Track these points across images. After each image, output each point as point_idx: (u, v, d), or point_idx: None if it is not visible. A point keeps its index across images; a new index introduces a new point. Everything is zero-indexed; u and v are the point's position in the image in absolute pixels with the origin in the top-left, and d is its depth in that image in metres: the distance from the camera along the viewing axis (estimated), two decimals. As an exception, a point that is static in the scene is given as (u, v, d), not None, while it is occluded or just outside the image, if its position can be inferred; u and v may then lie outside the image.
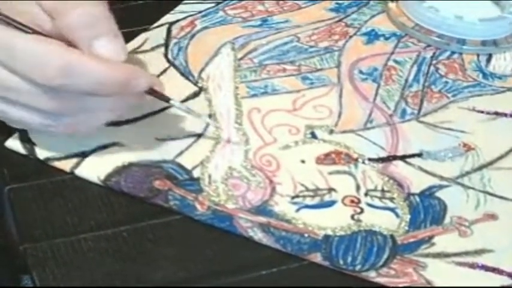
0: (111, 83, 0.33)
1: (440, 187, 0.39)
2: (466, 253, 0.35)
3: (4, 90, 0.34)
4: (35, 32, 0.34)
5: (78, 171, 0.38)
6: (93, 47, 0.34)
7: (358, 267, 0.34)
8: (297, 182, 0.38)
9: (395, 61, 0.48)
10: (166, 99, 0.37)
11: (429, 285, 0.33)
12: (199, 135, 0.41)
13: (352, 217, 0.36)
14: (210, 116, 0.42)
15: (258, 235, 0.35)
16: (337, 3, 0.54)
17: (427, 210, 0.37)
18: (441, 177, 0.39)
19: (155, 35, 0.49)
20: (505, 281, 0.34)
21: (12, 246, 0.36)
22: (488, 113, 0.44)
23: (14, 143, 0.39)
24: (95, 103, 0.35)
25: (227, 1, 0.53)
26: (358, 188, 0.38)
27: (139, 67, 0.36)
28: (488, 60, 0.49)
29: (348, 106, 0.44)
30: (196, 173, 0.38)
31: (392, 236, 0.36)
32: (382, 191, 0.38)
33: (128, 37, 0.48)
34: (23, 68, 0.33)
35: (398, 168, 0.40)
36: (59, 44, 0.33)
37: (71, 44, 0.34)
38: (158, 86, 0.36)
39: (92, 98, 0.34)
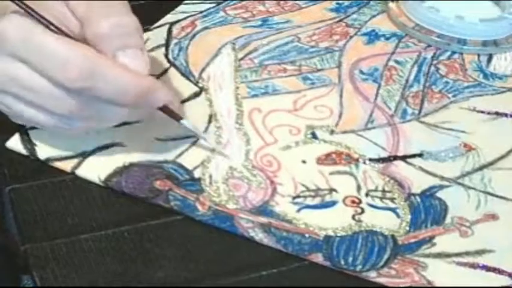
0: (132, 92, 0.33)
1: (441, 187, 0.39)
2: (467, 253, 0.35)
3: (22, 89, 0.34)
4: (63, 33, 0.34)
5: (79, 172, 0.38)
6: (118, 58, 0.34)
7: (359, 268, 0.34)
8: (297, 183, 0.38)
9: (396, 61, 0.48)
10: (178, 119, 0.37)
11: (430, 286, 0.33)
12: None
13: (353, 217, 0.36)
14: (210, 116, 0.42)
15: (259, 235, 0.35)
16: (337, 4, 0.54)
17: (427, 210, 0.37)
18: (442, 178, 0.39)
19: (156, 35, 0.49)
20: (506, 281, 0.34)
21: (13, 247, 0.36)
22: (488, 113, 0.44)
23: (15, 144, 0.39)
24: (109, 112, 0.35)
25: (228, 1, 0.53)
26: (359, 188, 0.38)
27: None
28: (489, 60, 0.49)
29: (349, 106, 0.44)
30: (197, 173, 0.38)
31: (393, 236, 0.36)
32: (383, 191, 0.38)
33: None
34: (48, 66, 0.32)
35: (399, 168, 0.40)
36: (87, 48, 0.33)
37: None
38: (174, 103, 0.37)
39: (108, 107, 0.34)
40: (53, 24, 0.33)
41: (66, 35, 0.34)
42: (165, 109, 0.36)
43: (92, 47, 0.34)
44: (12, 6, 0.33)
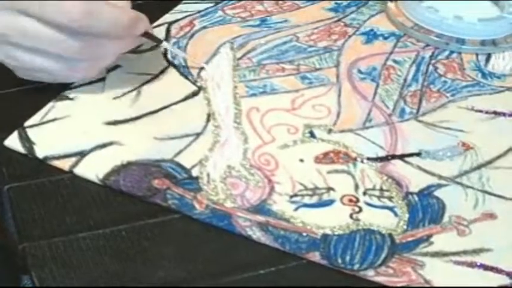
0: (123, 24, 0.38)
1: (439, 186, 0.39)
2: (465, 252, 0.35)
3: (27, 39, 0.38)
4: None
5: (77, 170, 0.38)
6: None
7: (356, 266, 0.34)
8: (295, 181, 0.38)
9: (394, 61, 0.48)
10: (159, 41, 0.43)
11: (427, 285, 0.33)
12: (198, 134, 0.41)
13: (351, 216, 0.36)
14: (208, 115, 0.42)
15: (257, 234, 0.35)
16: (336, 3, 0.54)
17: (425, 209, 0.37)
18: (440, 177, 0.39)
19: (154, 34, 0.49)
20: (504, 280, 0.34)
21: (12, 246, 0.36)
22: (487, 113, 0.44)
23: (13, 142, 0.39)
24: (105, 47, 0.39)
25: (226, 1, 0.53)
26: (356, 187, 0.38)
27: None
28: (487, 59, 0.49)
29: (347, 105, 0.44)
30: (195, 172, 0.38)
31: (390, 235, 0.36)
32: (381, 190, 0.38)
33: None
34: (49, 12, 0.36)
35: (397, 167, 0.40)
36: None
37: None
38: (151, 30, 0.43)
39: (103, 42, 0.39)
40: None
41: None
42: (146, 34, 0.41)
43: None
44: None
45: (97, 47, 0.39)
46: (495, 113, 0.44)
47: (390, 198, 0.38)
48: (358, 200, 0.37)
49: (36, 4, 0.37)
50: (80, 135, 0.40)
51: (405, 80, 0.47)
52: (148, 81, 0.45)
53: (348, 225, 0.36)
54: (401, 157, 0.40)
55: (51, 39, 0.38)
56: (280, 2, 0.53)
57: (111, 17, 0.38)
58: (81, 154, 0.39)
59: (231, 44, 0.48)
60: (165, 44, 0.43)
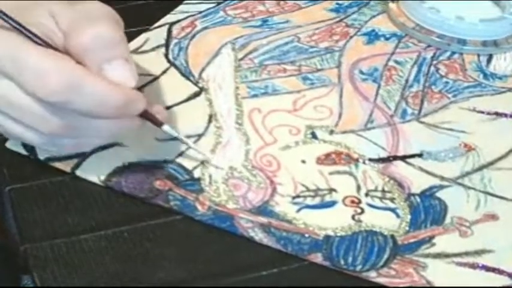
0: (111, 104, 0.33)
1: (441, 187, 0.39)
2: (467, 253, 0.35)
3: (9, 107, 0.33)
4: (46, 44, 0.33)
5: (79, 172, 0.38)
6: (103, 70, 0.33)
7: (358, 268, 0.34)
8: (297, 182, 0.38)
9: (396, 61, 0.48)
10: (159, 124, 0.36)
11: (429, 286, 0.33)
12: (199, 136, 0.41)
13: (353, 217, 0.36)
14: (210, 116, 0.42)
15: (259, 235, 0.35)
16: (337, 4, 0.54)
17: (427, 210, 0.37)
18: (442, 178, 0.39)
19: (156, 35, 0.49)
20: (506, 281, 0.34)
21: (13, 247, 0.36)
22: (488, 114, 0.44)
23: (14, 144, 0.39)
24: (94, 127, 0.34)
25: (228, 1, 0.53)
26: (358, 188, 0.38)
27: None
28: (489, 60, 0.49)
29: (349, 106, 0.44)
30: (196, 173, 0.38)
31: (392, 236, 0.36)
32: (383, 191, 0.38)
33: (129, 37, 0.48)
34: (28, 80, 0.32)
35: (398, 168, 0.40)
36: (66, 59, 0.32)
37: (78, 61, 0.33)
38: (159, 110, 0.36)
39: (90, 121, 0.33)
40: (38, 37, 0.32)
41: (52, 48, 0.33)
42: (146, 115, 0.35)
43: (74, 59, 0.33)
44: None
45: (82, 126, 0.34)
46: (497, 113, 0.44)
47: (392, 200, 0.38)
48: (360, 201, 0.37)
49: (19, 70, 0.31)
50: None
51: (407, 80, 0.47)
52: (149, 82, 0.45)
53: (350, 226, 0.36)
54: (403, 158, 0.40)
55: (30, 112, 0.33)
56: (282, 2, 0.53)
57: (97, 94, 0.32)
58: (83, 155, 0.39)
59: (232, 45, 0.48)
60: (166, 129, 0.37)
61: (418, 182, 0.39)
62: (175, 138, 0.40)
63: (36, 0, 0.34)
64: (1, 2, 0.32)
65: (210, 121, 0.42)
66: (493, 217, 0.37)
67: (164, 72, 0.46)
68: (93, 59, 0.33)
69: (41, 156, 0.39)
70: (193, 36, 0.49)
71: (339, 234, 0.35)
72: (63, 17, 0.34)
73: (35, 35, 0.33)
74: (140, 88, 0.44)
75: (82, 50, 0.33)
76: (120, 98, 0.33)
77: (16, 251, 0.35)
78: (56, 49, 0.33)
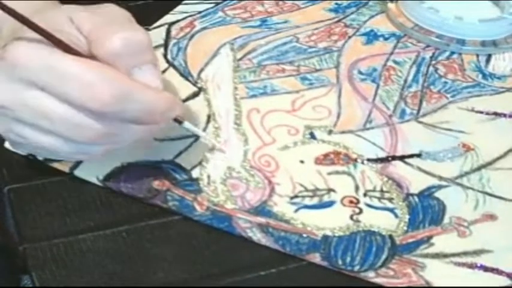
0: (159, 110, 0.33)
1: (440, 187, 0.39)
2: (465, 253, 0.35)
3: (38, 117, 0.32)
4: (80, 55, 0.32)
5: (78, 172, 0.38)
6: (133, 75, 0.33)
7: (356, 268, 0.34)
8: (295, 183, 0.38)
9: (395, 61, 0.48)
10: (180, 122, 0.37)
11: (428, 286, 0.33)
12: (198, 136, 0.41)
13: (351, 217, 0.36)
14: (208, 116, 0.42)
15: (257, 235, 0.35)
16: (336, 4, 0.54)
17: (426, 210, 0.37)
18: (440, 178, 0.39)
19: (155, 35, 0.49)
20: (504, 281, 0.34)
21: (12, 247, 0.36)
22: (487, 114, 0.44)
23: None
24: (129, 133, 0.34)
25: (226, 1, 0.53)
26: (357, 188, 0.38)
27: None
28: (488, 60, 0.49)
29: (347, 106, 0.44)
30: (195, 174, 0.38)
31: (391, 236, 0.36)
32: (381, 191, 0.38)
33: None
34: (71, 91, 0.31)
35: (397, 168, 0.40)
36: (110, 69, 0.32)
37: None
38: (179, 109, 0.36)
39: (129, 127, 0.33)
40: (69, 47, 0.32)
41: (83, 56, 0.32)
42: (177, 119, 0.36)
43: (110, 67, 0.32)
44: (19, 32, 0.32)
45: (120, 131, 0.33)
46: (495, 114, 0.44)
47: (390, 200, 0.38)
48: (358, 201, 0.37)
49: (58, 81, 0.31)
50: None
51: (405, 80, 0.47)
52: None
53: (348, 226, 0.36)
54: (402, 158, 0.40)
55: (68, 122, 0.32)
56: (281, 2, 0.53)
57: (146, 102, 0.32)
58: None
59: (231, 45, 0.48)
60: (186, 125, 0.37)
61: (416, 182, 0.39)
62: (174, 139, 0.40)
63: (53, 7, 0.34)
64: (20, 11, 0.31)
65: (208, 121, 0.42)
66: (492, 217, 0.37)
67: (163, 72, 0.46)
68: (123, 65, 0.32)
69: (40, 156, 0.39)
70: (192, 36, 0.49)
71: (337, 234, 0.35)
72: (85, 23, 0.33)
73: (67, 45, 0.32)
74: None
75: (112, 56, 0.32)
76: (166, 104, 0.33)
77: (16, 251, 0.35)
78: (86, 57, 0.32)
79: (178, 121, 0.37)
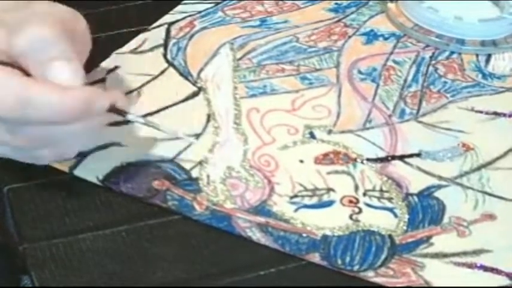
0: (70, 110, 0.31)
1: (439, 187, 0.39)
2: (465, 253, 0.35)
3: None
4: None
5: (77, 172, 0.38)
6: (47, 73, 0.32)
7: (356, 267, 0.34)
8: (295, 182, 0.38)
9: (395, 61, 0.48)
10: (124, 114, 0.35)
11: (427, 286, 0.33)
12: (198, 135, 0.41)
13: (351, 217, 0.36)
14: (208, 115, 0.42)
15: (257, 235, 0.35)
16: (336, 4, 0.54)
17: (425, 210, 0.37)
18: (440, 177, 0.39)
19: (154, 35, 0.49)
20: (504, 281, 0.34)
21: (12, 246, 0.36)
22: (487, 113, 0.44)
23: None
24: (60, 132, 0.33)
25: (226, 1, 0.53)
26: (356, 188, 0.38)
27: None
28: (488, 60, 0.49)
29: (347, 106, 0.44)
30: (194, 173, 0.38)
31: (390, 236, 0.36)
32: (381, 191, 0.38)
33: (127, 37, 0.48)
34: None
35: (396, 168, 0.40)
36: (14, 74, 0.32)
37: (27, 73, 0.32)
38: (120, 101, 0.34)
39: (56, 128, 0.32)
40: None
41: None
42: (113, 109, 0.34)
43: (18, 70, 0.32)
44: None
45: (54, 134, 0.33)
46: (495, 113, 0.44)
47: (390, 199, 0.38)
48: (358, 201, 0.37)
49: None
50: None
51: (405, 80, 0.47)
52: (148, 82, 0.45)
53: (348, 226, 0.36)
54: (401, 158, 0.40)
55: None
56: (280, 2, 0.53)
57: (50, 102, 0.31)
58: (81, 155, 0.39)
59: (231, 45, 0.48)
60: (130, 117, 0.36)
61: (416, 182, 0.39)
62: (173, 138, 0.40)
63: None
64: None
65: (208, 121, 0.42)
66: (491, 217, 0.37)
67: (162, 72, 0.46)
68: (33, 62, 0.32)
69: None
70: (192, 36, 0.49)
71: (336, 234, 0.35)
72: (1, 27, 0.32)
73: None
74: (139, 88, 0.44)
75: (21, 54, 0.32)
76: (77, 101, 0.32)
77: (16, 250, 0.35)
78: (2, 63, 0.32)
79: (120, 113, 0.35)
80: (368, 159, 0.40)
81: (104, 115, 0.34)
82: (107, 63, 0.46)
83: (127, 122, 0.41)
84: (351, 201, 0.37)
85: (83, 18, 0.35)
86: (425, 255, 0.35)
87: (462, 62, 0.49)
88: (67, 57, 0.33)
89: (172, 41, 0.48)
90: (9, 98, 0.30)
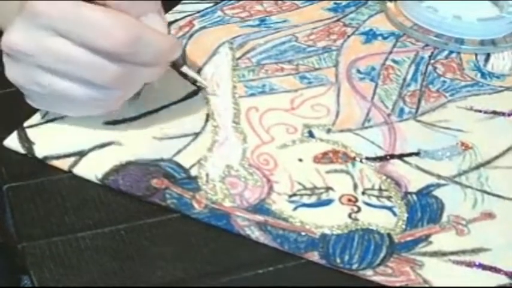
0: (167, 52, 0.36)
1: (438, 186, 0.39)
2: (463, 252, 0.35)
3: (59, 62, 0.35)
4: (94, 2, 0.34)
5: (76, 170, 0.38)
6: (142, 22, 0.36)
7: (355, 266, 0.34)
8: (294, 181, 0.38)
9: (394, 60, 0.48)
10: (180, 66, 0.41)
11: (426, 285, 0.33)
12: (197, 134, 0.41)
13: (350, 216, 0.36)
14: (207, 114, 0.42)
15: (255, 234, 0.35)
16: (335, 3, 0.54)
17: (424, 209, 0.37)
18: (439, 176, 0.39)
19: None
20: (502, 280, 0.34)
21: (12, 246, 0.36)
22: (486, 112, 0.44)
23: (12, 142, 0.39)
24: (141, 76, 0.37)
25: (225, 1, 0.53)
26: (355, 186, 0.38)
27: None
28: (487, 59, 0.49)
29: (346, 105, 0.44)
30: (193, 172, 0.38)
31: (389, 235, 0.36)
32: (380, 189, 0.38)
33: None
34: (91, 36, 0.34)
35: (395, 167, 0.40)
36: (125, 16, 0.34)
37: None
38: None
39: (141, 70, 0.36)
40: None
41: (100, 5, 0.34)
42: (174, 65, 0.40)
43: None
44: None
45: (133, 74, 0.36)
46: (494, 112, 0.44)
47: (389, 198, 0.38)
48: (357, 200, 0.37)
49: (78, 26, 0.34)
50: (79, 135, 0.40)
51: (404, 79, 0.47)
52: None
53: (347, 224, 0.36)
54: (400, 157, 0.40)
55: (87, 64, 0.35)
56: (280, 2, 0.54)
57: (156, 45, 0.35)
58: (80, 154, 0.39)
59: (230, 44, 0.48)
60: (185, 69, 0.42)
61: (415, 181, 0.39)
62: (172, 137, 0.40)
63: None
64: None
65: (207, 120, 0.42)
66: (490, 216, 0.37)
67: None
68: (132, 13, 0.35)
69: (39, 154, 0.39)
70: (191, 35, 0.49)
71: (335, 233, 0.35)
72: None
73: None
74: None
75: (122, 6, 0.35)
76: (171, 46, 0.37)
77: (15, 250, 0.35)
78: (101, 5, 0.35)
79: (177, 66, 0.41)
80: (367, 158, 0.40)
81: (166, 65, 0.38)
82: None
83: (125, 121, 0.41)
84: (349, 200, 0.37)
85: None
86: (424, 254, 0.35)
87: (461, 61, 0.49)
88: (158, 10, 0.37)
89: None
90: (121, 33, 0.34)
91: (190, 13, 0.51)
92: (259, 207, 0.36)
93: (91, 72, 0.35)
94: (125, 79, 0.36)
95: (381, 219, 0.36)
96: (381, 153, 0.41)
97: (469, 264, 0.34)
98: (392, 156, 0.40)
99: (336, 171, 0.39)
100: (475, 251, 0.35)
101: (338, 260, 0.34)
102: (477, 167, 0.40)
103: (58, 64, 0.35)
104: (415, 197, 0.38)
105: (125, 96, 0.38)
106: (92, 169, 0.38)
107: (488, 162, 0.40)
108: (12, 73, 0.37)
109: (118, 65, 0.35)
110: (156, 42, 0.35)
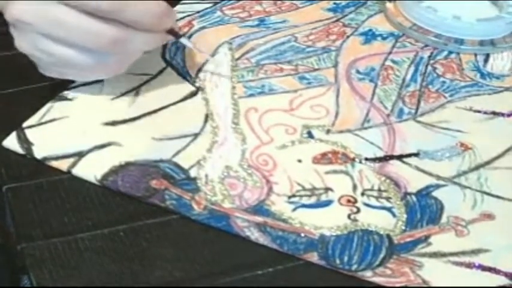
0: (155, 14, 0.38)
1: (437, 187, 0.39)
2: (463, 253, 0.35)
3: (60, 28, 0.37)
4: None
5: (75, 171, 0.38)
6: None
7: (354, 267, 0.34)
8: (293, 182, 0.38)
9: (393, 61, 0.48)
10: (179, 36, 0.42)
11: (425, 285, 0.33)
12: (196, 135, 0.41)
13: (349, 217, 0.36)
14: (206, 115, 0.42)
15: (255, 235, 0.35)
16: (334, 4, 0.54)
17: (423, 209, 0.37)
18: (438, 177, 0.39)
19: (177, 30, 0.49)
20: (502, 280, 0.34)
21: (11, 246, 0.36)
22: (485, 113, 0.44)
23: (11, 143, 0.39)
24: (136, 41, 0.38)
25: (225, 1, 0.53)
26: (354, 187, 0.38)
27: None
28: (486, 60, 0.49)
29: (345, 106, 0.44)
30: (193, 173, 0.38)
31: (388, 236, 0.36)
32: (379, 190, 0.38)
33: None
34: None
35: (395, 167, 0.40)
36: None
37: None
38: (176, 25, 0.42)
39: (135, 35, 0.38)
40: None
41: None
42: (171, 31, 0.41)
43: None
44: None
45: (128, 39, 0.38)
46: (494, 113, 0.44)
47: (388, 199, 0.38)
48: (356, 201, 0.37)
49: None
50: (78, 135, 0.40)
51: (404, 80, 0.47)
52: (146, 82, 0.45)
53: (346, 225, 0.36)
54: (400, 157, 0.40)
55: (83, 30, 0.37)
56: (279, 2, 0.53)
57: (143, 4, 0.37)
58: (80, 155, 0.39)
59: (229, 44, 0.48)
60: (183, 40, 0.43)
61: (414, 181, 0.39)
62: (171, 138, 0.40)
63: None
64: None
65: (206, 120, 0.42)
66: (490, 216, 0.37)
67: (161, 72, 0.46)
68: None
69: (38, 155, 0.39)
70: (191, 36, 0.49)
71: (334, 234, 0.35)
72: None
73: None
74: (137, 88, 0.44)
75: None
76: (161, 11, 0.38)
77: (15, 250, 0.35)
78: None
79: (175, 35, 0.41)
80: (366, 159, 0.40)
81: (163, 34, 0.40)
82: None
83: (124, 122, 0.41)
84: (349, 201, 0.37)
85: None
86: (424, 255, 0.35)
87: (461, 61, 0.49)
88: None
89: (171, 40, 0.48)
90: None
91: (189, 13, 0.51)
92: (259, 208, 0.36)
93: (89, 37, 0.37)
94: (121, 44, 0.38)
95: (380, 220, 0.36)
96: (380, 153, 0.41)
97: (469, 265, 0.34)
98: (391, 157, 0.40)
99: (335, 172, 0.39)
100: (474, 251, 0.35)
101: (337, 261, 0.34)
102: (477, 168, 0.40)
103: (58, 31, 0.37)
104: (414, 197, 0.38)
105: (125, 61, 0.40)
106: (91, 170, 0.38)
107: (487, 162, 0.40)
108: (20, 42, 0.39)
109: (113, 29, 0.37)
110: (144, 3, 0.37)
